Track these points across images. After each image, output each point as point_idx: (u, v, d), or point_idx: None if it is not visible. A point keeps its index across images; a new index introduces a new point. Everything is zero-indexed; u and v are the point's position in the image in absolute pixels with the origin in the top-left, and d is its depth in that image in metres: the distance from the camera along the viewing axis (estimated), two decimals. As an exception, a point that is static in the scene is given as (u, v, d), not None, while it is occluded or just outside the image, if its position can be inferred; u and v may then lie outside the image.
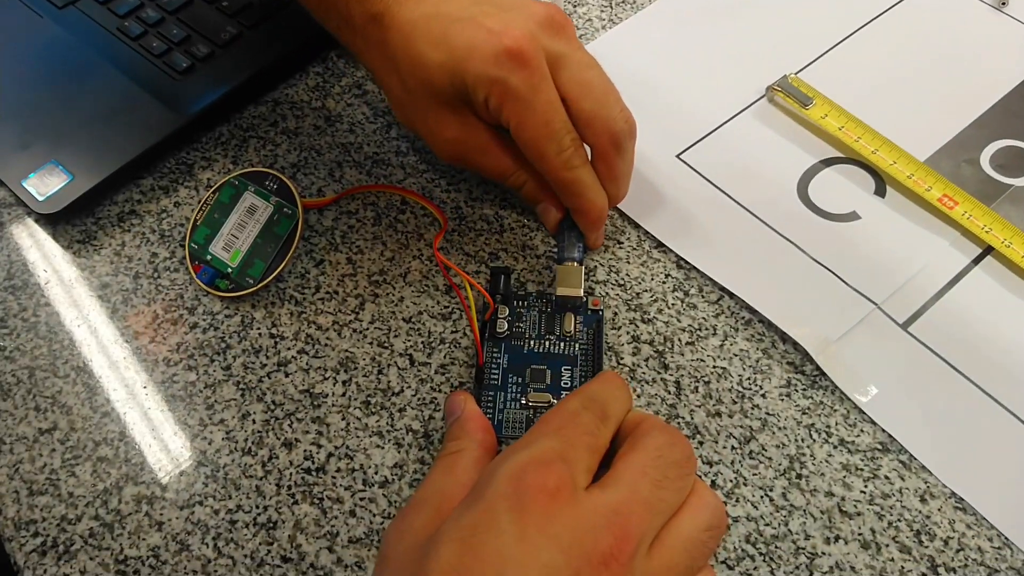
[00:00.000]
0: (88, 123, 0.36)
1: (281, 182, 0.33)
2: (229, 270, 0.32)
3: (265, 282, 0.32)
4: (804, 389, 0.29)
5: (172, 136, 0.36)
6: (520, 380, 0.29)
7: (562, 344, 0.30)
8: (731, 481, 0.28)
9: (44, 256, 0.34)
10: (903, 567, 0.26)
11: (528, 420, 0.28)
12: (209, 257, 0.33)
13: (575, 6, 0.42)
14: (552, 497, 0.20)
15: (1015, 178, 0.34)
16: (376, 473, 0.28)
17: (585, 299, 0.31)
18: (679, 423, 0.29)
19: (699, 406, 0.29)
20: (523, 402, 0.29)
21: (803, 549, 0.26)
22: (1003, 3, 0.41)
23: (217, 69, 0.37)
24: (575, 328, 0.31)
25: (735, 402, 0.29)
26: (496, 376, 0.29)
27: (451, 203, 0.35)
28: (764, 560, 0.26)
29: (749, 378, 0.30)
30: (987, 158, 0.35)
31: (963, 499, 0.27)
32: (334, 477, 0.28)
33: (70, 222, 0.35)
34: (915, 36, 0.40)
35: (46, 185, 0.34)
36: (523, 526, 0.19)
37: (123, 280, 0.33)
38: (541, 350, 0.30)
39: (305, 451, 0.29)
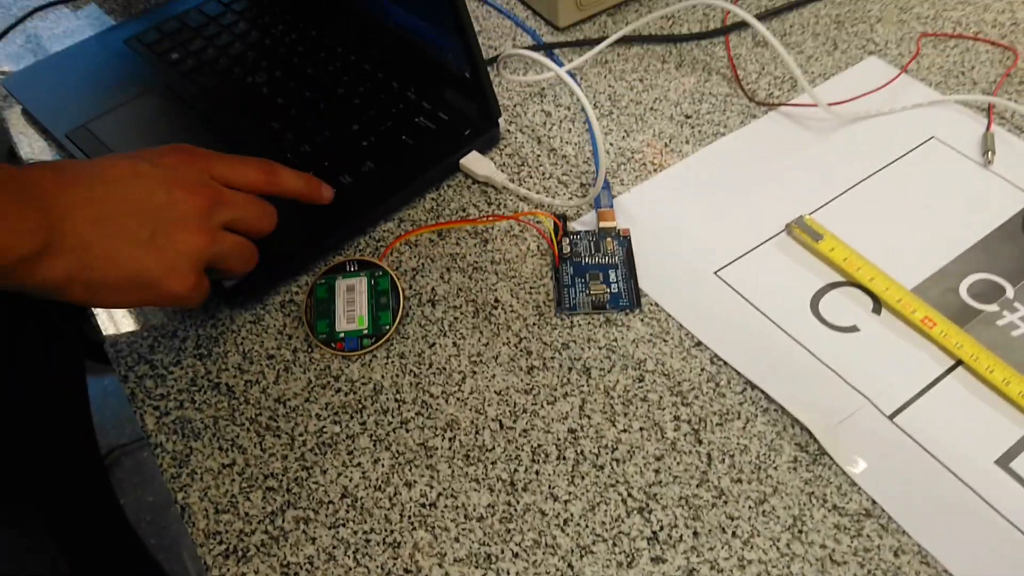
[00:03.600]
0: (260, 231, 0.47)
1: (356, 261, 0.45)
2: (364, 331, 0.43)
3: (397, 322, 0.43)
4: (807, 465, 0.38)
5: (325, 244, 0.47)
6: (583, 280, 0.45)
7: (606, 258, 0.46)
8: (747, 532, 0.36)
9: (224, 332, 0.44)
10: (879, 605, 0.33)
11: (592, 302, 0.44)
12: (343, 335, 0.43)
13: (633, 153, 0.52)
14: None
15: (986, 305, 0.43)
16: (474, 510, 0.37)
17: (617, 229, 0.47)
18: (709, 486, 0.37)
19: (725, 474, 0.38)
20: (587, 292, 0.45)
21: (802, 587, 0.34)
22: (988, 161, 0.50)
23: (358, 195, 0.49)
24: (614, 247, 0.47)
25: (753, 472, 0.38)
26: (569, 278, 0.45)
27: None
28: (771, 593, 0.34)
29: (764, 454, 0.38)
30: (965, 288, 0.43)
31: (928, 554, 0.34)
32: (442, 511, 0.37)
33: (244, 306, 0.45)
34: (912, 185, 0.49)
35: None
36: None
37: (285, 353, 0.43)
38: (594, 263, 0.46)
39: (421, 490, 0.38)
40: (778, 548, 0.35)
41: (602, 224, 0.48)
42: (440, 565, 0.36)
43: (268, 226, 0.42)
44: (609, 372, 0.42)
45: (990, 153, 0.50)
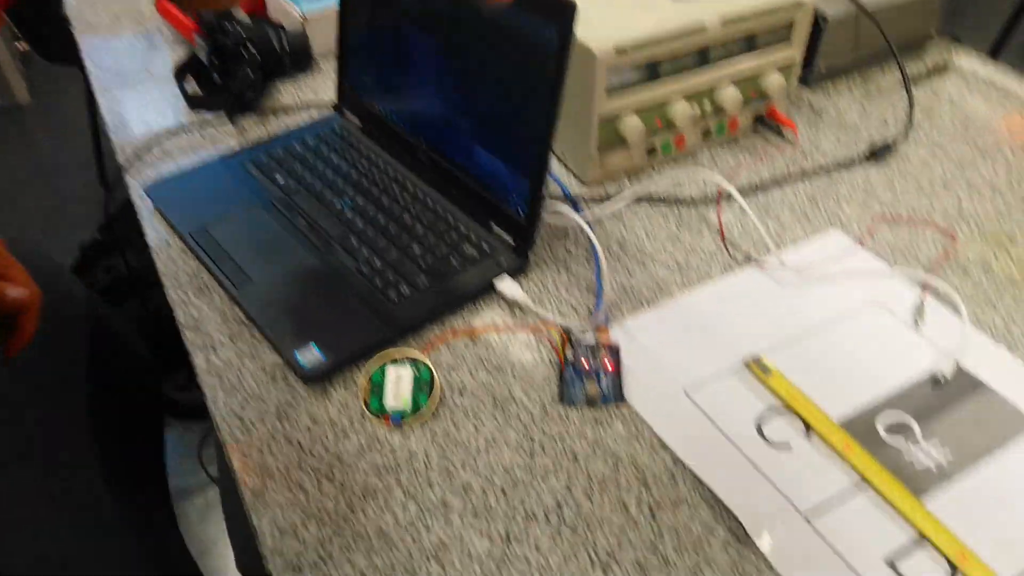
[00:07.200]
0: (334, 325, 0.61)
1: (405, 355, 0.57)
2: (406, 410, 0.55)
3: (432, 405, 0.56)
4: (736, 546, 0.48)
5: (383, 341, 0.60)
6: (581, 381, 0.58)
7: (599, 364, 0.59)
8: (684, 593, 0.46)
9: (299, 402, 0.57)
10: (777, 658, 0.44)
11: (586, 399, 0.57)
12: (389, 411, 0.56)
13: (632, 290, 0.66)
14: None
15: (895, 437, 0.54)
16: (476, 553, 0.48)
17: (611, 343, 0.60)
18: (658, 554, 0.48)
19: (671, 546, 0.49)
20: (583, 391, 0.57)
21: (719, 638, 0.44)
22: (918, 326, 0.62)
23: (414, 303, 0.62)
24: (606, 357, 0.59)
25: (693, 547, 0.48)
26: (570, 378, 0.58)
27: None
28: (695, 640, 0.44)
29: (704, 534, 0.49)
30: (881, 424, 0.55)
31: (819, 624, 0.45)
32: (452, 551, 0.48)
33: (319, 384, 0.58)
34: (853, 338, 0.61)
35: (307, 359, 0.58)
36: None
37: (344, 421, 0.56)
38: (590, 368, 0.59)
39: (437, 535, 0.49)
40: (704, 606, 0.46)
41: (599, 338, 0.61)
42: (446, 592, 0.47)
43: None
44: (592, 461, 0.53)
45: (920, 319, 0.62)
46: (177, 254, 0.70)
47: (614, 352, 0.60)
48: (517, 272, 0.66)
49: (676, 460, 0.53)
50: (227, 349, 0.61)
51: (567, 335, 0.61)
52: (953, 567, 0.47)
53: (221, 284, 0.65)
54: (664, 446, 0.54)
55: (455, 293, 0.63)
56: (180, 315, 0.64)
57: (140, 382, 0.90)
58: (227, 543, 1.16)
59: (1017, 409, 0.56)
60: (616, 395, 0.57)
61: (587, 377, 0.58)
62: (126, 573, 0.66)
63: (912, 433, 0.54)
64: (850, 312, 0.63)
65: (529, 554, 0.48)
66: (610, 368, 0.59)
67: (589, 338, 0.62)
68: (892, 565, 0.47)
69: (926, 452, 0.53)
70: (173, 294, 0.66)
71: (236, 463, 0.53)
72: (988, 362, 0.59)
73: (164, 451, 0.87)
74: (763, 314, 0.63)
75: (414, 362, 0.59)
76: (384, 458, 0.54)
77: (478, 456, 0.54)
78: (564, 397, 0.57)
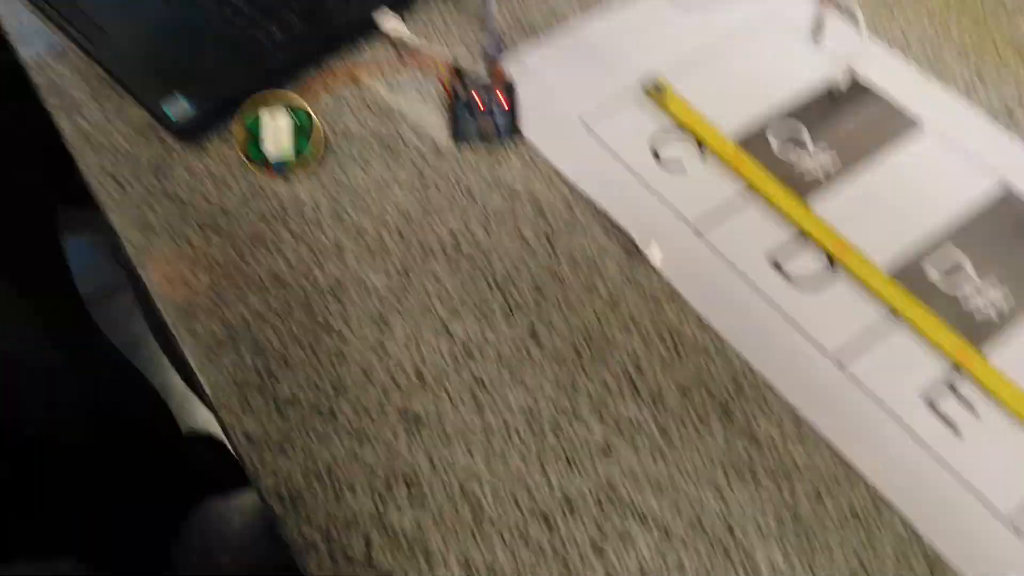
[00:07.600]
0: (202, 74, 0.56)
1: (283, 100, 0.54)
2: (288, 157, 0.53)
3: (316, 151, 0.53)
4: (628, 262, 0.49)
5: (254, 86, 0.55)
6: (473, 116, 0.55)
7: (492, 99, 0.56)
8: (576, 304, 0.48)
9: (174, 157, 0.54)
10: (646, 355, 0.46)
11: (480, 134, 0.55)
12: (269, 159, 0.53)
13: (525, 21, 0.62)
14: None
15: (784, 147, 0.54)
16: (374, 288, 0.48)
17: (504, 77, 0.57)
18: (554, 275, 0.49)
19: (567, 266, 0.49)
20: (476, 126, 0.55)
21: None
22: (817, 41, 0.61)
23: (287, 45, 0.57)
24: (500, 91, 0.57)
25: (589, 266, 0.49)
26: (462, 114, 0.56)
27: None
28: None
29: (598, 254, 0.50)
30: (774, 138, 0.55)
31: (705, 320, 0.47)
32: (348, 288, 0.48)
33: (192, 137, 0.54)
34: (751, 56, 0.59)
35: (175, 110, 0.54)
36: None
37: (223, 173, 0.53)
38: (483, 102, 0.56)
39: (332, 274, 0.49)
40: (596, 314, 0.47)
41: (492, 73, 0.58)
42: (347, 324, 0.47)
43: None
44: (488, 196, 0.53)
45: (818, 34, 0.61)
46: (26, 16, 0.62)
47: (508, 87, 0.57)
48: (400, 6, 0.61)
49: (573, 189, 0.53)
50: (92, 110, 0.56)
51: (457, 72, 0.58)
52: (831, 259, 0.49)
53: (76, 42, 0.59)
54: (561, 177, 0.53)
55: (331, 32, 0.58)
56: (39, 79, 0.58)
57: (27, 176, 0.85)
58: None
59: (904, 114, 0.56)
60: (511, 130, 0.55)
61: (480, 115, 0.56)
62: (32, 355, 0.65)
63: (803, 142, 0.55)
64: (749, 31, 0.61)
65: (427, 283, 0.49)
66: (504, 103, 0.57)
67: (481, 74, 0.58)
68: (776, 264, 0.49)
69: (815, 159, 0.54)
70: (26, 57, 0.60)
71: (115, 222, 0.51)
72: (883, 69, 0.58)
73: (62, 241, 0.84)
74: (662, 38, 0.61)
75: (292, 109, 0.55)
76: (270, 206, 0.52)
77: (369, 199, 0.52)
78: (457, 136, 0.55)
